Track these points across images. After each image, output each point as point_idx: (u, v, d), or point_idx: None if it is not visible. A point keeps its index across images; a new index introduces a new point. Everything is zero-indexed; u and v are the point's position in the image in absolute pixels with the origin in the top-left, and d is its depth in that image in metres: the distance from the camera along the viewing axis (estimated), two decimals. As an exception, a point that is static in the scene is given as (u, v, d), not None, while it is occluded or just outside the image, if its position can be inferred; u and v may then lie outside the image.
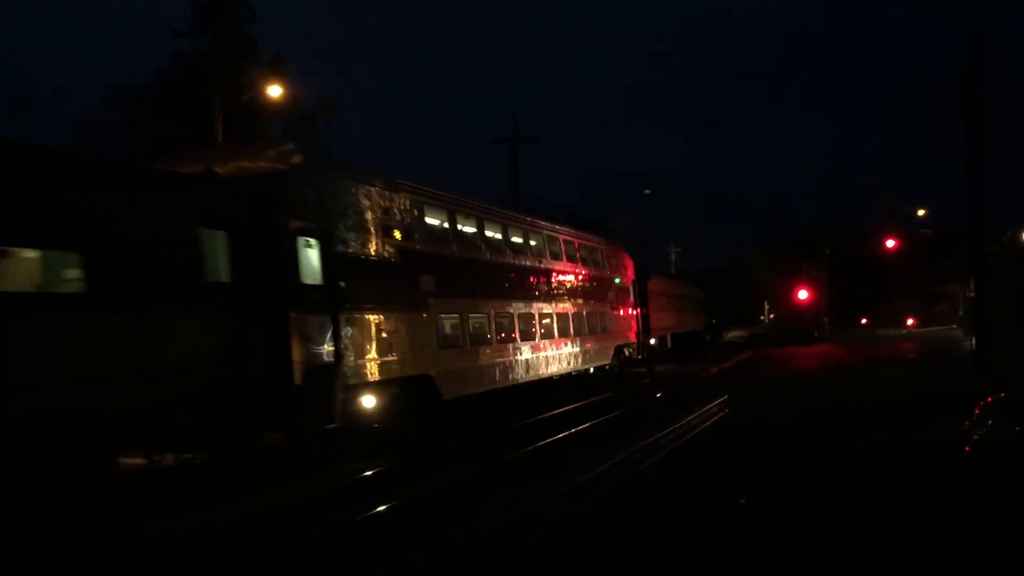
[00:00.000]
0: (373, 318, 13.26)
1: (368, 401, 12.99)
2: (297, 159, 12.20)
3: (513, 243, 19.95)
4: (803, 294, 65.98)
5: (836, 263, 76.17)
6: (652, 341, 36.52)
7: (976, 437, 10.28)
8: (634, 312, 30.75)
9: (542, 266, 21.43)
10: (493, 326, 17.91)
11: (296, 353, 11.21)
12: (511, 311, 18.89)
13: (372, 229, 13.60)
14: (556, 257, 22.80)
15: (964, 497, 9.04)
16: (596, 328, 25.35)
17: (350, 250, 12.82)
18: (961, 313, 38.71)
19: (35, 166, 8.71)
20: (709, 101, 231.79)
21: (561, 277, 22.66)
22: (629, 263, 31.26)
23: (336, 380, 12.00)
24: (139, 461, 9.30)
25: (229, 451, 10.30)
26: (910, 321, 73.76)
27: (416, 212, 15.32)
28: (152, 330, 9.07)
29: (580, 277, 24.58)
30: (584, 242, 25.92)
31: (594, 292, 25.75)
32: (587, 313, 24.58)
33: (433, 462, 11.41)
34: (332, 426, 12.00)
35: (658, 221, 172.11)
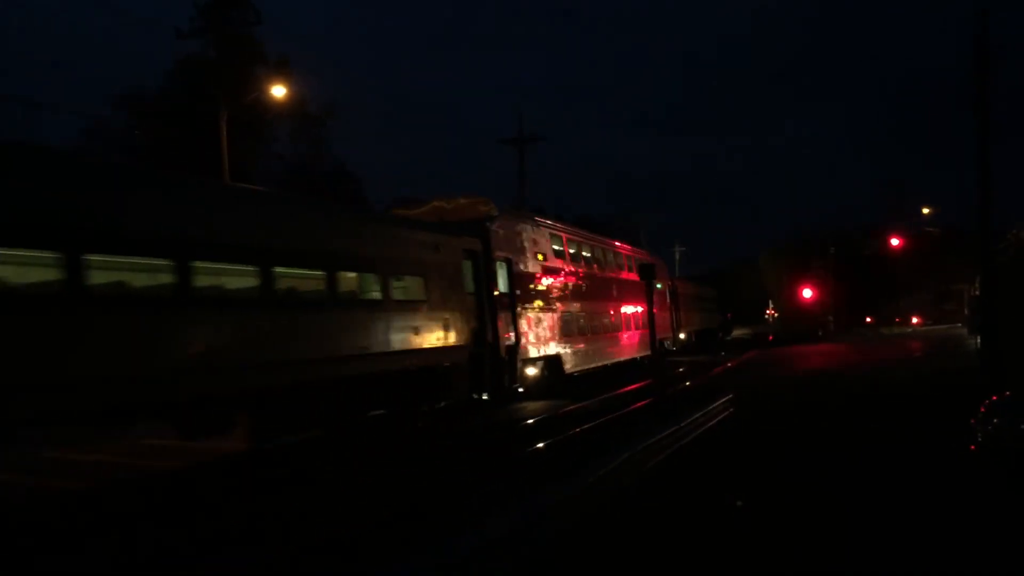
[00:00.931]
0: (530, 314, 19.97)
1: (530, 371, 19.74)
2: (494, 209, 19.01)
3: (598, 258, 26.78)
4: (808, 293, 67.15)
5: (842, 262, 76.87)
6: (682, 336, 43.59)
7: (981, 436, 10.30)
8: (670, 312, 37.55)
9: (615, 276, 28.28)
10: (589, 322, 24.67)
11: (499, 338, 18.00)
12: (599, 311, 25.69)
13: (529, 254, 20.36)
14: (621, 268, 29.59)
15: (969, 496, 9.13)
16: (645, 325, 32.09)
17: (519, 268, 19.52)
18: (967, 311, 38.23)
19: (410, 234, 15.57)
20: (711, 101, 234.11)
21: (626, 284, 29.43)
22: (664, 270, 38.13)
23: (517, 355, 18.75)
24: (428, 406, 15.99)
25: (466, 401, 17.05)
26: (915, 320, 73.87)
27: (547, 240, 22.08)
28: (449, 321, 15.80)
29: (636, 284, 31.29)
30: (638, 256, 32.69)
31: (643, 296, 32.46)
32: (641, 313, 31.32)
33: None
34: (515, 385, 18.79)
35: (661, 221, 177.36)
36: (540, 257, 21.06)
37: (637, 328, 30.69)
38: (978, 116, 20.60)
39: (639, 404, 17.39)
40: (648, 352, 33.36)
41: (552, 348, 21.23)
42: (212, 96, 25.70)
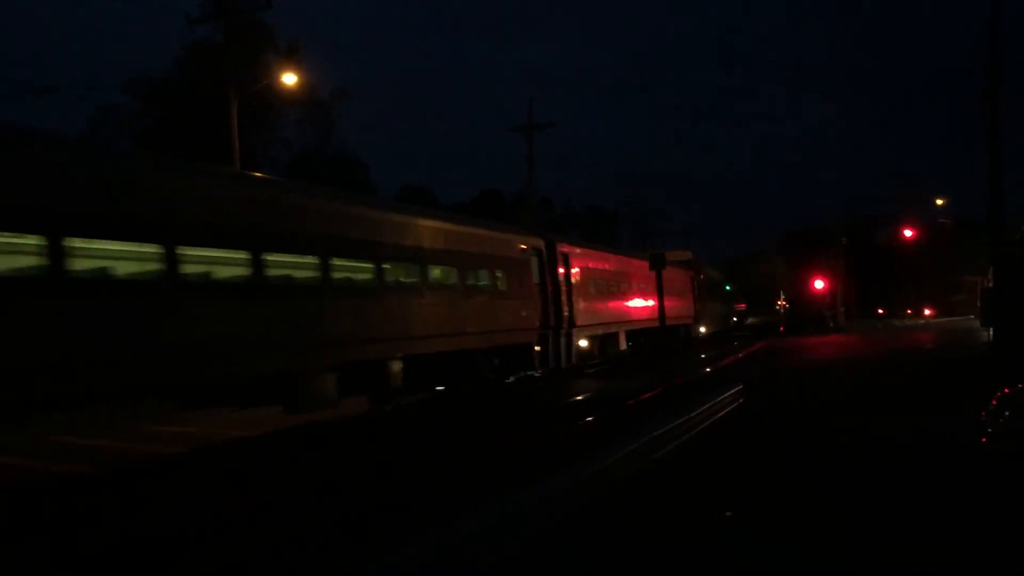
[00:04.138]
0: (710, 304, 45.55)
1: (703, 329, 46.61)
2: (690, 254, 45.21)
3: (711, 275, 52.72)
4: (819, 283, 69.55)
5: (855, 252, 79.93)
6: (734, 319, 62.16)
7: (992, 429, 10.78)
8: (723, 304, 60.74)
9: (717, 281, 53.69)
10: (713, 305, 50.63)
11: (698, 313, 43.51)
12: (714, 300, 52.03)
13: (704, 276, 46.26)
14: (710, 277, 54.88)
15: (980, 490, 9.48)
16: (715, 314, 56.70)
17: (699, 282, 44.21)
18: (979, 303, 40.27)
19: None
20: (722, 89, 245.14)
21: (718, 285, 55.63)
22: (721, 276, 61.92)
23: (699, 318, 44.48)
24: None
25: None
26: (927, 311, 75.80)
27: (703, 267, 47.86)
28: (690, 307, 41.81)
29: (719, 284, 57.02)
30: (706, 269, 56.77)
31: (719, 291, 57.93)
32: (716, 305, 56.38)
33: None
34: (701, 334, 44.30)
35: (673, 211, 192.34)
36: (702, 277, 46.32)
37: (728, 311, 57.61)
38: (989, 103, 21.24)
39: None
40: (722, 325, 58.09)
41: (708, 319, 46.45)
42: (222, 82, 26.73)
